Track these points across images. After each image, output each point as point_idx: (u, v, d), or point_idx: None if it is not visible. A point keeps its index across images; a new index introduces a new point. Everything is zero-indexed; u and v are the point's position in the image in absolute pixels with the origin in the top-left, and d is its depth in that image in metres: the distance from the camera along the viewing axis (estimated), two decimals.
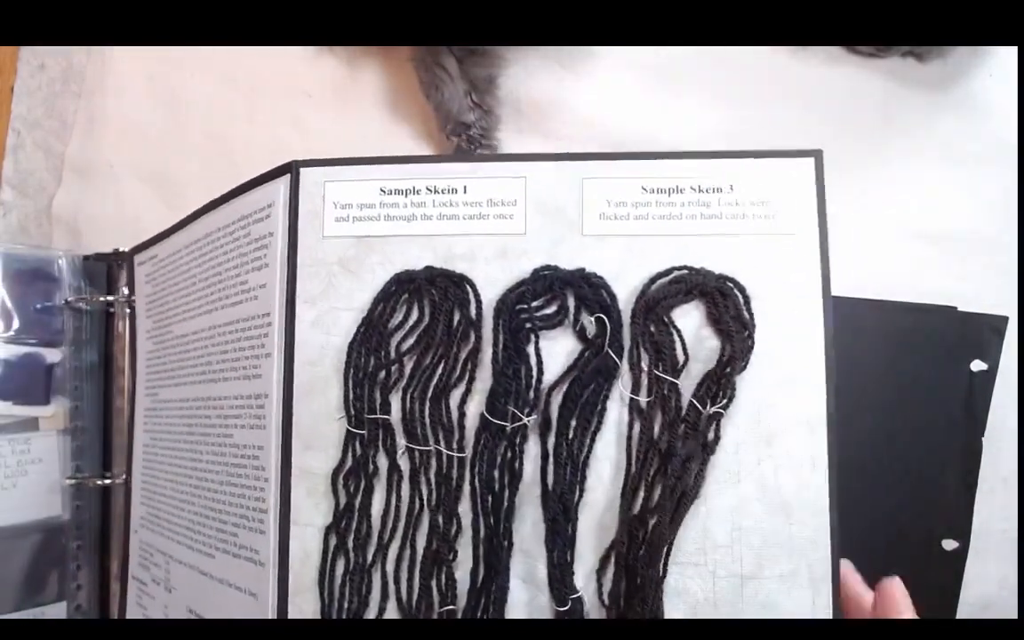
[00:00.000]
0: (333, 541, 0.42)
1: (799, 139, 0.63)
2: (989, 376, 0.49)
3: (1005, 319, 0.49)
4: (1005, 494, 0.56)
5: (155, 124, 0.69)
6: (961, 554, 0.48)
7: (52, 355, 0.54)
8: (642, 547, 0.39)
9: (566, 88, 0.64)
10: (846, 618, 0.38)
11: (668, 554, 0.39)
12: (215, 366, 0.48)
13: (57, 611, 0.54)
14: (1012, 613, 0.55)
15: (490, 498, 0.41)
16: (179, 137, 0.69)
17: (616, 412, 0.41)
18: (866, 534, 0.47)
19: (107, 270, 0.58)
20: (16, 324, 0.54)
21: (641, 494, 0.40)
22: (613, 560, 0.39)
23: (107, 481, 0.56)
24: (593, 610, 0.40)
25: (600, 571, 0.40)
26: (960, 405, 0.48)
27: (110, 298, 0.57)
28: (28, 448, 0.53)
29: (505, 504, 0.41)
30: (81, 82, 0.70)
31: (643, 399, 0.40)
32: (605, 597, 0.39)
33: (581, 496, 0.40)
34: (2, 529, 0.52)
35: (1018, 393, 0.56)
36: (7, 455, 0.52)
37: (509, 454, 0.41)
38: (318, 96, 0.67)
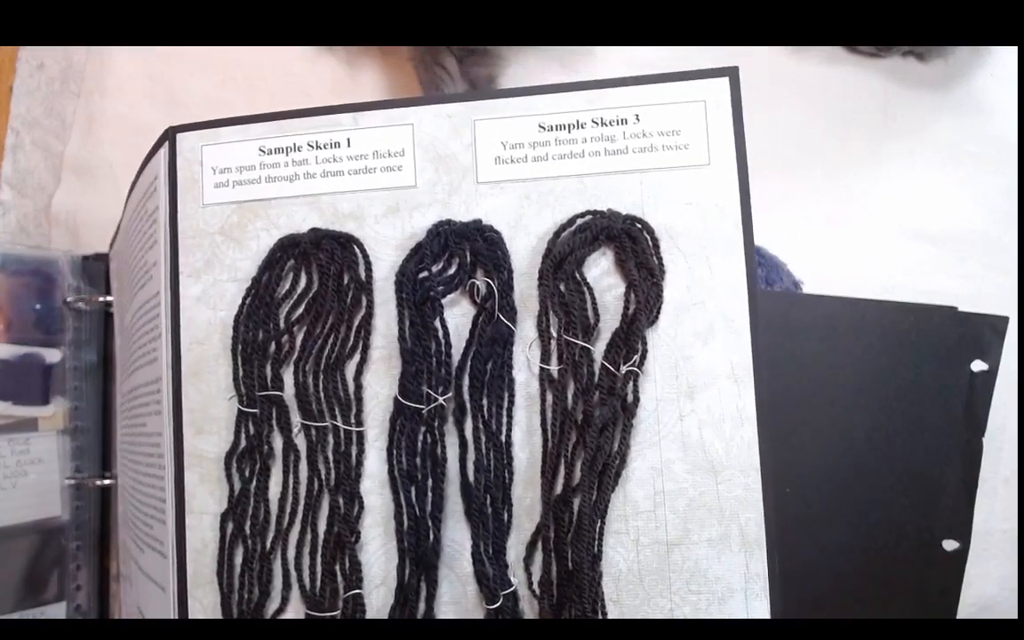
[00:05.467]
0: (230, 528, 0.39)
1: (799, 138, 0.63)
2: (989, 376, 0.48)
3: (1005, 319, 0.49)
4: (1006, 494, 0.56)
5: (155, 124, 0.69)
6: (962, 554, 0.48)
7: (51, 355, 0.54)
8: (569, 529, 0.36)
9: None
10: None
11: (601, 533, 0.36)
12: (135, 354, 0.46)
13: (57, 611, 0.54)
14: (1013, 613, 0.55)
15: (413, 489, 0.38)
16: None
17: (529, 384, 0.38)
18: (866, 534, 0.47)
19: (106, 270, 0.58)
20: (15, 324, 0.54)
21: (562, 471, 0.37)
22: (540, 546, 0.37)
23: (107, 481, 0.56)
24: (522, 601, 0.37)
25: (528, 559, 0.37)
26: (960, 405, 0.48)
27: (109, 298, 0.57)
28: (28, 448, 0.53)
29: (430, 495, 0.38)
30: (80, 82, 0.70)
31: (554, 368, 0.38)
32: (535, 586, 0.37)
33: (511, 480, 0.38)
34: (1, 529, 0.51)
35: (1018, 393, 0.56)
36: (6, 455, 0.52)
37: (429, 439, 0.38)
38: (318, 96, 0.67)
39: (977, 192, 0.60)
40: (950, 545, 0.48)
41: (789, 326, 0.46)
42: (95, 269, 0.58)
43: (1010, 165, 0.60)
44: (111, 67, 0.70)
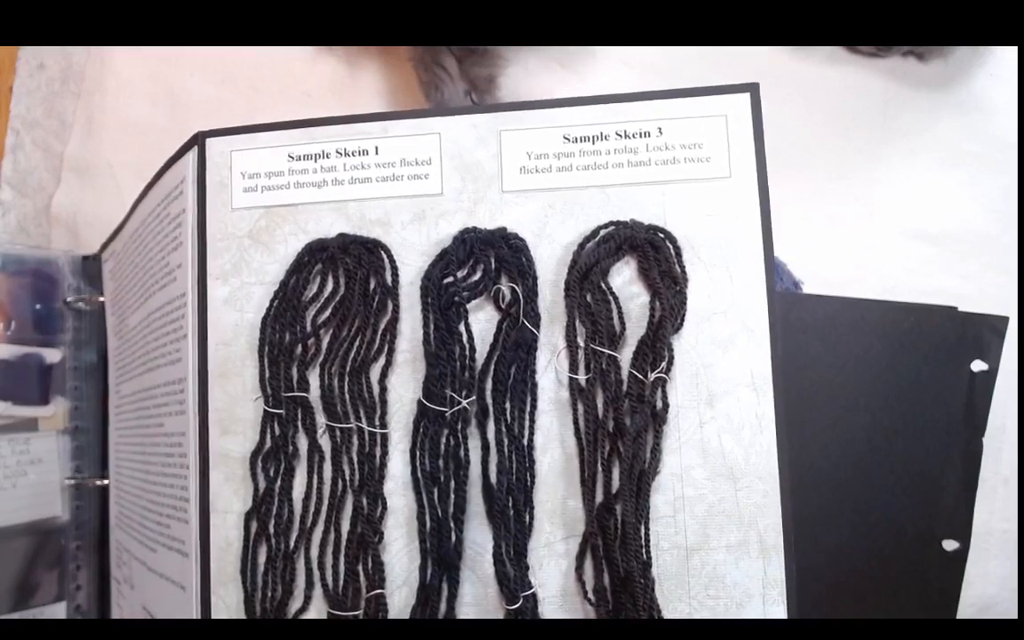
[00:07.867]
0: (254, 527, 0.40)
1: (799, 139, 0.63)
2: (989, 376, 0.48)
3: (1005, 319, 0.49)
4: (1006, 494, 0.56)
5: (155, 124, 0.69)
6: (962, 554, 0.47)
7: (51, 355, 0.54)
8: (616, 537, 0.37)
9: (566, 88, 0.64)
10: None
11: (647, 539, 0.37)
12: (152, 354, 0.46)
13: (57, 611, 0.54)
14: (1013, 613, 0.55)
15: (436, 490, 0.39)
16: (179, 137, 0.68)
17: (552, 391, 0.39)
18: (866, 534, 0.47)
19: None
20: (15, 324, 0.54)
21: (600, 479, 0.37)
22: (590, 554, 0.37)
23: (107, 481, 0.56)
24: (575, 607, 0.38)
25: (579, 568, 0.38)
26: (960, 405, 0.48)
27: None
28: (28, 448, 0.53)
29: (452, 496, 0.38)
30: (81, 82, 0.70)
31: (582, 377, 0.38)
32: (591, 595, 0.37)
33: (533, 483, 0.38)
34: (1, 529, 0.51)
35: (1018, 393, 0.56)
36: (7, 455, 0.52)
37: (452, 442, 0.39)
38: (318, 96, 0.67)
39: (977, 192, 0.60)
40: (950, 545, 0.48)
41: (789, 326, 0.46)
42: (95, 269, 0.58)
43: (1010, 165, 0.60)
44: (111, 67, 0.70)
